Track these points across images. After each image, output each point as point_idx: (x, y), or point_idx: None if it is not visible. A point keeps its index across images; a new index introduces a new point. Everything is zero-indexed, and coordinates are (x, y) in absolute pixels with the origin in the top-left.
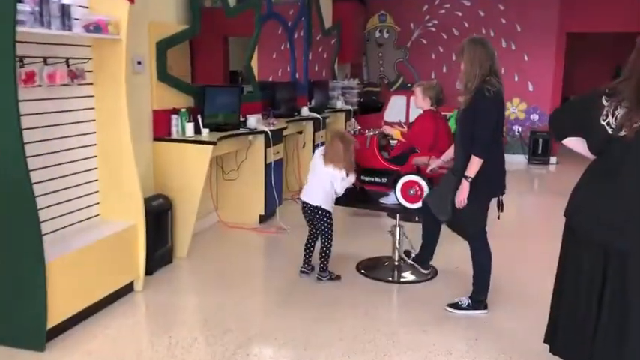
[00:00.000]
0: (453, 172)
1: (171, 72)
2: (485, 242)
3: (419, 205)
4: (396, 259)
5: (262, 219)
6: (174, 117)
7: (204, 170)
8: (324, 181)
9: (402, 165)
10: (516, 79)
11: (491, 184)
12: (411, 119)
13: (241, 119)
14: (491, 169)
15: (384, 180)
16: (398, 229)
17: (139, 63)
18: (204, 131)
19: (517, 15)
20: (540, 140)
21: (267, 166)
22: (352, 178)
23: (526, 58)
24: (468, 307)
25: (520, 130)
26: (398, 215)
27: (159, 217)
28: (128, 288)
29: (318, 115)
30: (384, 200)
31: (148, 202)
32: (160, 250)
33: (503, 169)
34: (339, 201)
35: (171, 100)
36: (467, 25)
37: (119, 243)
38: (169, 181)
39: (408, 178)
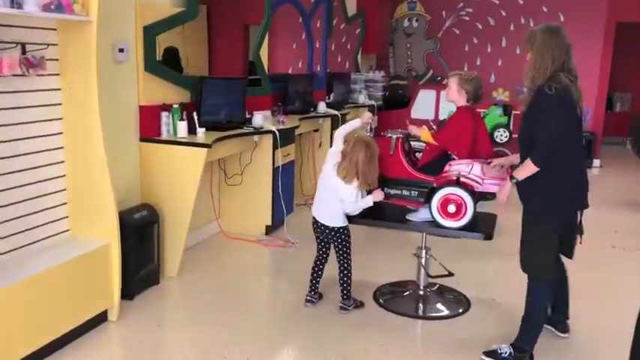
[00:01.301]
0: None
1: (185, 62)
2: (546, 286)
3: (460, 223)
4: (421, 286)
5: (269, 229)
6: (164, 114)
7: (197, 177)
8: (333, 194)
9: (437, 174)
10: None
11: (562, 201)
12: (441, 116)
13: (247, 116)
14: (564, 182)
15: (414, 193)
16: (424, 251)
17: (122, 51)
18: (200, 131)
19: (560, 3)
20: (583, 141)
21: (275, 170)
22: (369, 200)
23: None
24: (510, 358)
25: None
26: (424, 235)
27: (143, 231)
28: (100, 318)
29: (335, 112)
30: (412, 216)
31: (130, 213)
32: (143, 270)
33: (585, 181)
34: (350, 218)
35: (161, 95)
36: (504, 13)
37: (90, 265)
38: (158, 189)
39: (447, 190)
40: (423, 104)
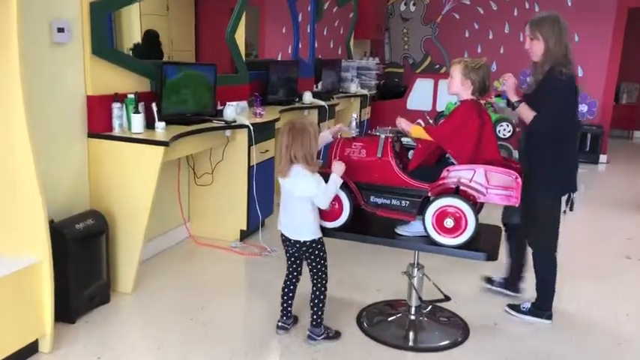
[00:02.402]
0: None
1: (169, 47)
2: (552, 257)
3: (459, 240)
4: (413, 311)
5: (244, 234)
6: (115, 106)
7: (154, 179)
8: (294, 200)
9: (433, 181)
10: None
11: (560, 181)
12: (440, 107)
13: (220, 107)
14: (561, 166)
15: (405, 203)
16: (416, 269)
17: (61, 30)
18: (160, 125)
19: None
20: (589, 135)
21: (250, 169)
22: (335, 178)
23: (577, 38)
24: (529, 313)
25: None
26: (416, 252)
27: (88, 242)
28: (30, 350)
29: (322, 102)
30: (402, 230)
31: (71, 223)
32: (89, 287)
33: (577, 166)
34: (327, 232)
35: (114, 83)
36: None
37: (14, 288)
38: (109, 193)
39: (444, 201)
40: (420, 94)
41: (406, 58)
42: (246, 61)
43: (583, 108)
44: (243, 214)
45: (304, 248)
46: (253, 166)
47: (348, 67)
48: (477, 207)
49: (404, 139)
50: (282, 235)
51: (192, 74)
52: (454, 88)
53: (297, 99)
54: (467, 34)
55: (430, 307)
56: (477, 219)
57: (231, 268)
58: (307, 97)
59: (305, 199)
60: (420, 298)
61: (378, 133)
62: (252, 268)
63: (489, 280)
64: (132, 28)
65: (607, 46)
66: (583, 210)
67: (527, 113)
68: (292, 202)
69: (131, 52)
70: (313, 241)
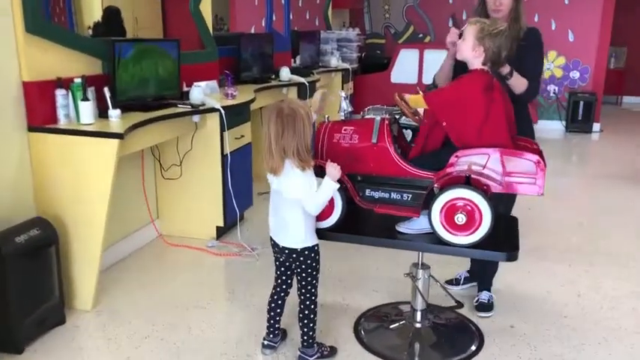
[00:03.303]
0: None
1: (133, 24)
2: None
3: (472, 239)
4: (418, 317)
5: (221, 231)
6: (59, 93)
7: (109, 178)
8: (283, 201)
9: (438, 169)
10: (554, 27)
11: None
12: (426, 80)
13: (186, 89)
14: None
15: (407, 196)
16: (421, 270)
17: None
18: (114, 114)
19: None
20: (581, 103)
21: (224, 158)
22: (329, 182)
23: (566, 1)
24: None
25: (556, 90)
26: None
27: (33, 257)
28: None
29: (302, 79)
30: (404, 227)
31: (9, 236)
32: (38, 309)
33: None
34: (321, 234)
35: (56, 66)
36: None
37: None
38: (58, 197)
39: (454, 193)
40: (405, 66)
41: (388, 28)
42: (215, 35)
43: (575, 75)
44: (219, 209)
45: (294, 256)
46: (227, 154)
47: (328, 39)
48: (491, 199)
49: (403, 120)
50: (272, 239)
51: (151, 51)
52: (464, 53)
53: (273, 76)
54: (451, 1)
55: (437, 310)
56: (493, 213)
57: (207, 273)
58: (285, 73)
59: (296, 200)
60: (425, 301)
61: (370, 114)
62: (231, 271)
63: (455, 282)
64: (92, 6)
65: (599, 10)
66: (573, 178)
67: (521, 82)
68: (282, 203)
69: (90, 31)
70: (306, 248)
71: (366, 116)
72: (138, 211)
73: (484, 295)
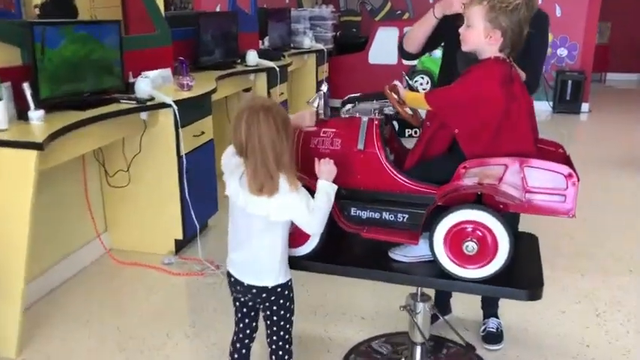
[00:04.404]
0: None
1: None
2: None
3: (485, 272)
4: (418, 354)
5: (180, 244)
6: None
7: (28, 195)
8: (259, 227)
9: (441, 181)
10: (540, 0)
11: None
12: (407, 61)
13: (131, 80)
14: None
15: (403, 217)
16: (421, 304)
17: None
18: (37, 115)
19: None
20: (569, 82)
21: (180, 160)
22: (325, 192)
23: None
24: None
25: (543, 69)
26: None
27: None
28: None
29: (271, 63)
30: (399, 254)
31: None
32: None
33: None
34: (291, 262)
35: None
36: None
37: None
38: None
39: (460, 215)
40: (383, 46)
41: (363, 5)
42: (171, 15)
43: (562, 52)
44: (176, 220)
45: (264, 295)
46: (184, 155)
47: (299, 17)
48: (505, 217)
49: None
50: (231, 276)
51: (84, 36)
52: (473, 42)
53: (238, 60)
54: None
55: (434, 342)
56: (511, 240)
57: (163, 300)
58: (252, 57)
59: (278, 225)
60: (423, 336)
61: (351, 113)
62: (192, 296)
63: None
64: None
65: None
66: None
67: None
68: (254, 230)
69: (37, 11)
70: (279, 286)
71: (347, 112)
72: (81, 225)
73: (492, 323)
